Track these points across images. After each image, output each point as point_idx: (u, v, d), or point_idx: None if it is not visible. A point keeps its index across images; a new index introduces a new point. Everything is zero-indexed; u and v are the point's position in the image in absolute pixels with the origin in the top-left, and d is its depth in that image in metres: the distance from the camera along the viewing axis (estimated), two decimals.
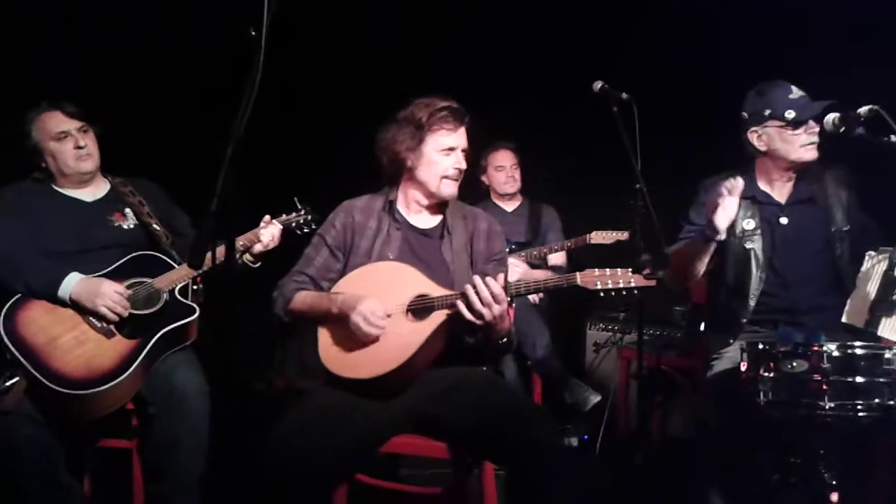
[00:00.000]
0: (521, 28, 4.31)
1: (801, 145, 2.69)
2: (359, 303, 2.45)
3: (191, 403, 2.64)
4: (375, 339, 2.46)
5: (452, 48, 4.34)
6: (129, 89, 3.72)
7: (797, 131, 2.68)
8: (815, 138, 2.69)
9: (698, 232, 2.72)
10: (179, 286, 2.81)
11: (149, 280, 2.79)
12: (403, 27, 4.26)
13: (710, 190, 2.75)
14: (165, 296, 2.77)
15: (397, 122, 2.67)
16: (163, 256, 2.88)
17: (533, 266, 4.15)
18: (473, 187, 4.24)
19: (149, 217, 2.96)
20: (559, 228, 4.35)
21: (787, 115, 2.67)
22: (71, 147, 2.87)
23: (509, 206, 4.42)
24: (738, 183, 2.56)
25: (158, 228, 2.95)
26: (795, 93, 2.69)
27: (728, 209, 2.56)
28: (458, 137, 2.66)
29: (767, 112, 2.70)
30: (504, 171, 4.33)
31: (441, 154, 2.64)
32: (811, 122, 2.68)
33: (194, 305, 2.81)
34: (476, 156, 4.17)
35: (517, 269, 3.99)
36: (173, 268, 2.84)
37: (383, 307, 2.48)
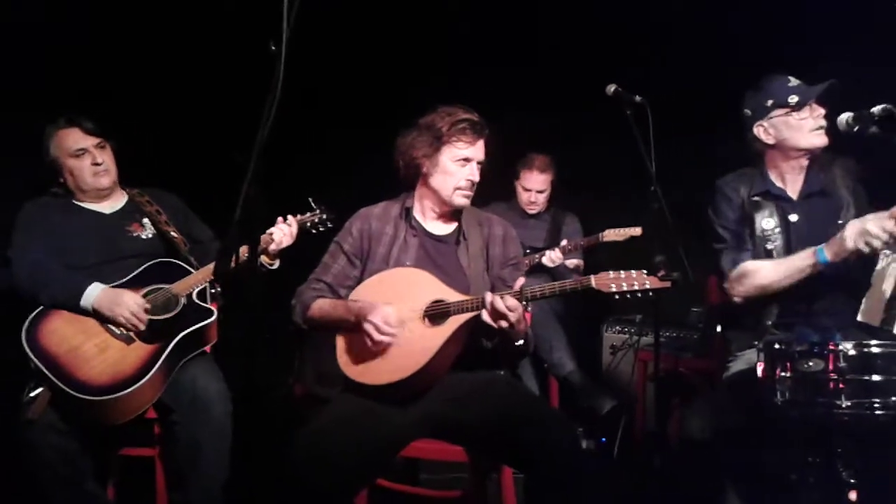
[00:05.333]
0: (537, 29, 4.30)
1: (811, 130, 2.68)
2: (370, 312, 2.46)
3: (213, 410, 2.68)
4: (388, 347, 2.47)
5: (472, 52, 4.32)
6: (147, 100, 3.76)
7: (803, 115, 2.67)
8: (823, 122, 2.68)
9: (733, 233, 2.73)
10: (197, 290, 2.85)
11: (166, 286, 2.83)
12: (425, 32, 4.27)
13: (725, 189, 2.76)
14: (183, 300, 2.81)
15: (417, 128, 2.69)
16: (181, 263, 2.92)
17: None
18: (501, 184, 4.27)
19: (166, 225, 3.00)
20: (580, 238, 4.33)
21: (790, 100, 2.66)
22: (88, 164, 2.92)
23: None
24: None
25: (176, 236, 2.99)
26: (793, 81, 2.69)
27: None
28: (475, 150, 2.67)
29: (770, 102, 2.70)
30: (530, 194, 4.33)
31: (456, 164, 2.65)
32: (816, 107, 2.67)
33: (212, 308, 2.85)
34: (511, 157, 4.20)
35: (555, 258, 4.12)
36: (191, 273, 2.88)
37: (397, 314, 2.49)
